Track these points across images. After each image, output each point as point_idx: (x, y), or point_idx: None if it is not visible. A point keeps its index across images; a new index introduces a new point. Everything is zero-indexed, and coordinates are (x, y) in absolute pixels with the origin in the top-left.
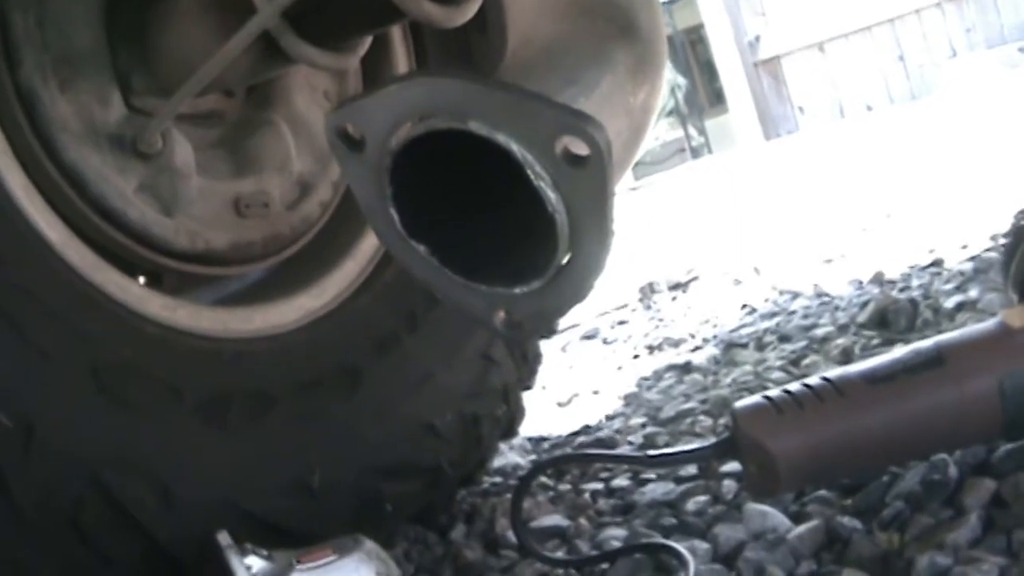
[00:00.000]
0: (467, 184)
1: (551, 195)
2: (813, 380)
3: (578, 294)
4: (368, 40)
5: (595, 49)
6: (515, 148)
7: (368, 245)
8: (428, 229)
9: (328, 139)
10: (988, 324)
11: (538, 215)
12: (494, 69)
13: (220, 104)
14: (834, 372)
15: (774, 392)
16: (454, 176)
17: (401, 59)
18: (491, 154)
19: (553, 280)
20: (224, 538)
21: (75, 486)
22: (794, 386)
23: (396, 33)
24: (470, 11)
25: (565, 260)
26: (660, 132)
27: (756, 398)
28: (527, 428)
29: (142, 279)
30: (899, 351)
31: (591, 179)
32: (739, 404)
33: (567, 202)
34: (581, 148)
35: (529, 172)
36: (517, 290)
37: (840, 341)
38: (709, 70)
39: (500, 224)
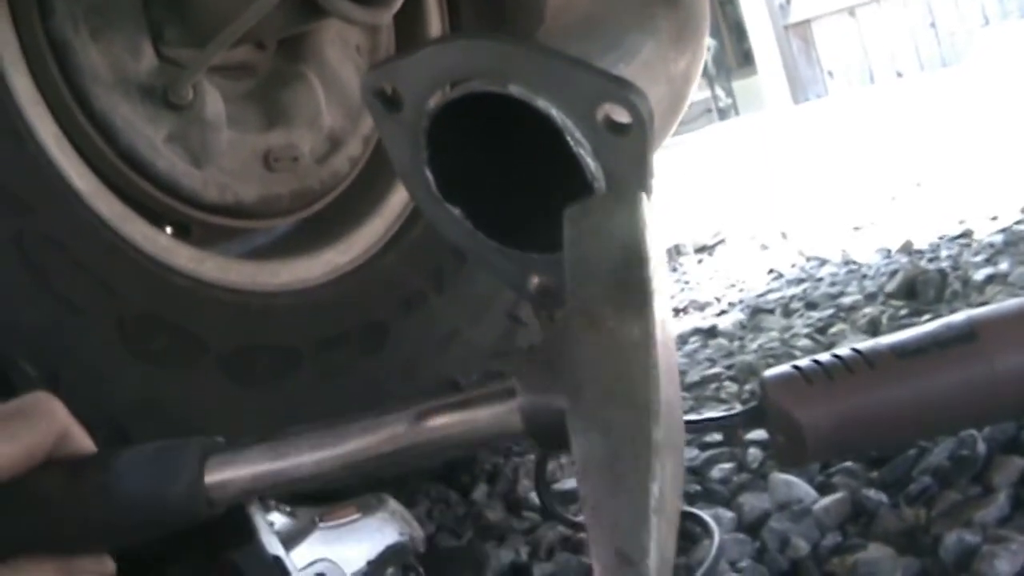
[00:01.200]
0: (504, 148)
1: (590, 162)
2: (843, 351)
3: None
4: None
5: (637, 15)
6: (555, 113)
7: (396, 202)
8: (463, 192)
9: (364, 98)
10: (1021, 300)
11: (576, 181)
12: (529, 28)
13: (251, 56)
14: (864, 344)
15: (803, 362)
16: (491, 140)
17: (434, 15)
18: (530, 118)
19: None
20: None
21: (99, 437)
22: (823, 356)
23: None
24: None
25: None
26: None
27: (785, 367)
28: None
29: (169, 230)
30: (930, 325)
31: (632, 147)
32: (768, 373)
33: (607, 170)
34: (622, 116)
35: (569, 138)
36: (553, 256)
37: (868, 310)
38: (738, 31)
39: (536, 189)
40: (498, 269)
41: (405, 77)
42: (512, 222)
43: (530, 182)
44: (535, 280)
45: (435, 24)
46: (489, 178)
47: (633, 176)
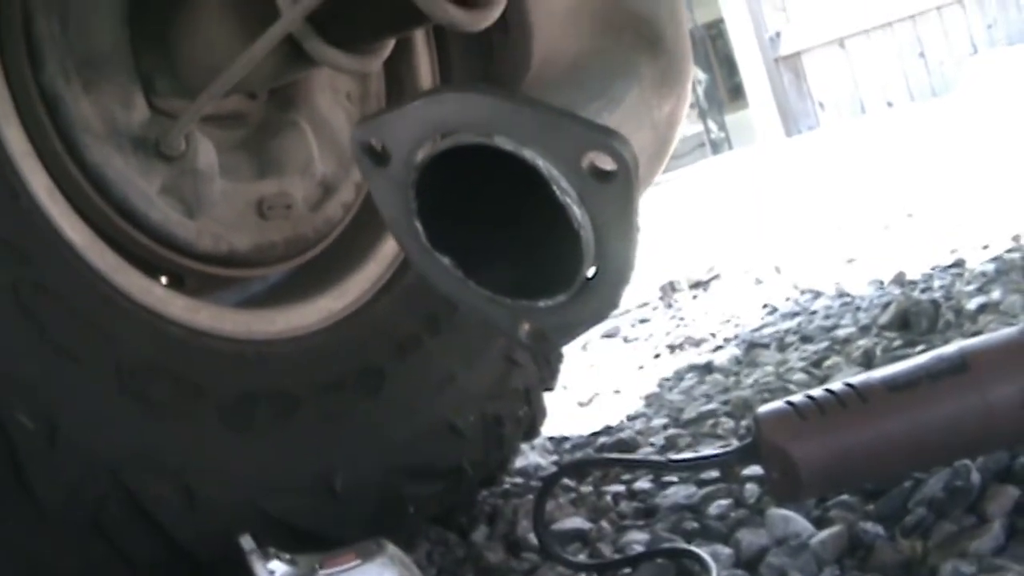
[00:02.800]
0: (492, 198)
1: (577, 211)
2: (836, 386)
3: (604, 308)
4: (391, 43)
5: (620, 63)
6: (541, 164)
7: (390, 247)
8: (453, 242)
9: (353, 153)
10: (1012, 330)
11: (563, 230)
12: (517, 74)
13: (243, 106)
14: (857, 378)
15: (797, 397)
16: (479, 190)
17: (424, 63)
18: (517, 168)
19: (578, 294)
20: (247, 542)
21: (98, 486)
22: (817, 392)
23: (419, 36)
24: (493, 15)
25: (590, 274)
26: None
27: (779, 403)
28: (548, 428)
29: (164, 280)
30: (922, 357)
31: (617, 194)
32: (762, 409)
33: (593, 217)
34: (607, 163)
35: (555, 188)
36: (542, 304)
37: (862, 342)
38: (729, 65)
39: (525, 238)
40: (490, 317)
41: (392, 131)
42: (502, 271)
43: (518, 230)
44: (526, 326)
45: (425, 71)
46: (478, 227)
47: (620, 221)
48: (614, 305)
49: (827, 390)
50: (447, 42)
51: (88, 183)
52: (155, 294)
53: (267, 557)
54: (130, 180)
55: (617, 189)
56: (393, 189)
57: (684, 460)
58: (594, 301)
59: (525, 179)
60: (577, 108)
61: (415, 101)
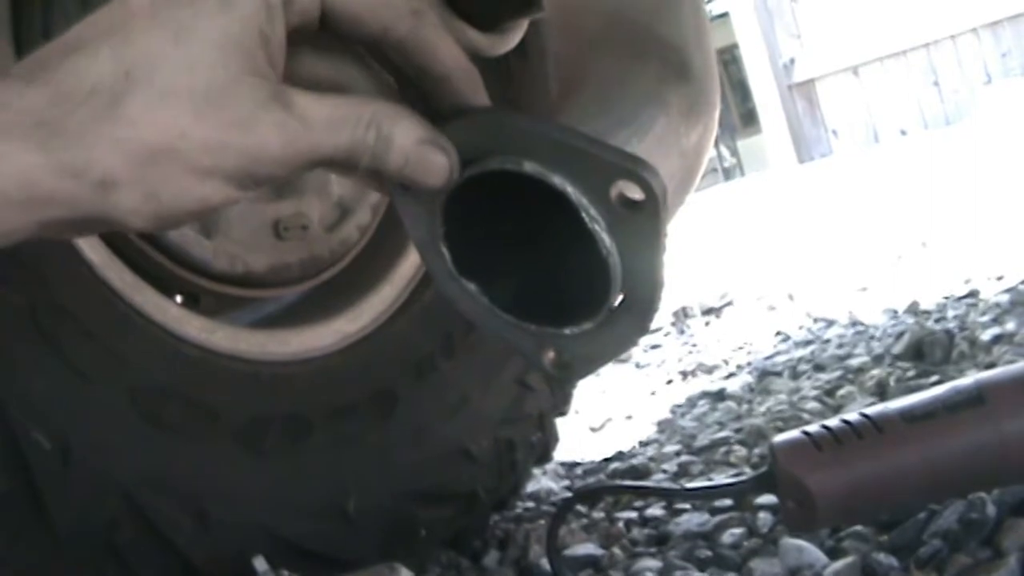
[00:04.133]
0: (520, 223)
1: (605, 238)
2: (852, 416)
3: (629, 338)
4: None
5: (648, 90)
6: (570, 191)
7: (406, 269)
8: (479, 268)
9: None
10: None
11: (591, 257)
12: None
13: None
14: (873, 409)
15: (813, 427)
16: (506, 215)
17: None
18: (545, 194)
19: (604, 323)
20: (260, 563)
21: (111, 507)
22: (832, 422)
23: None
24: (514, 40)
25: (616, 303)
26: None
27: (795, 433)
28: (560, 453)
29: (179, 299)
30: (939, 389)
31: (645, 224)
32: (778, 439)
33: (620, 246)
34: (636, 193)
35: (584, 215)
36: (568, 331)
37: (875, 372)
38: (742, 90)
39: (552, 264)
40: (514, 344)
41: None
42: (528, 297)
43: (545, 257)
44: (551, 355)
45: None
46: (505, 253)
47: (647, 251)
48: (641, 335)
49: (843, 420)
50: None
51: None
52: (171, 314)
53: None
54: None
55: (645, 219)
56: (421, 213)
57: (699, 488)
58: (620, 330)
59: (553, 205)
60: (606, 136)
61: (445, 125)
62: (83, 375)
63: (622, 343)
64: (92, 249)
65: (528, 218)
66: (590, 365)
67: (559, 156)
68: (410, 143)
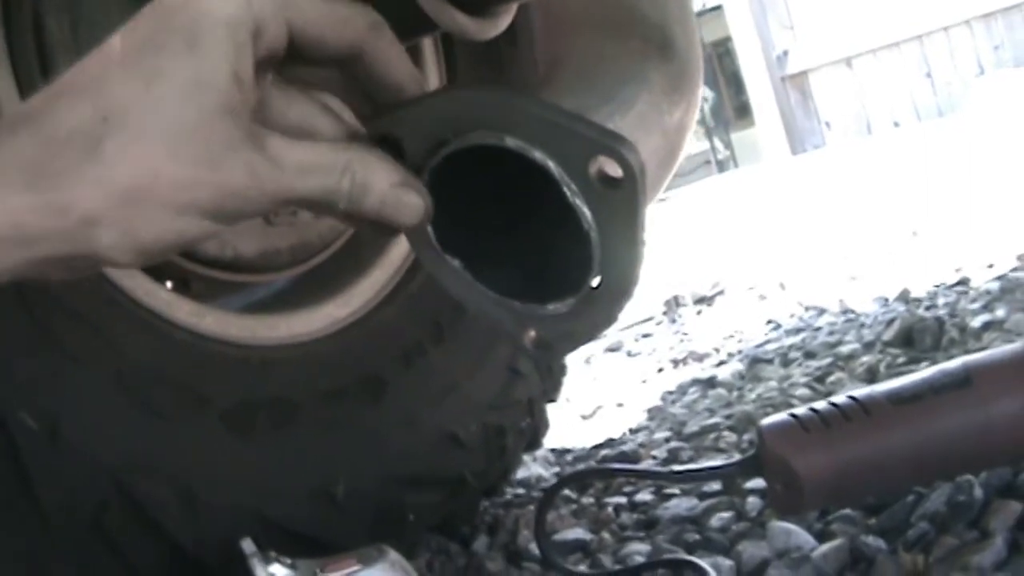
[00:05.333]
0: (502, 200)
1: (587, 213)
2: (839, 399)
3: (608, 316)
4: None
5: (631, 68)
6: (551, 166)
7: (395, 255)
8: (462, 244)
9: None
10: (1016, 345)
11: (573, 233)
12: (523, 80)
13: None
14: (860, 391)
15: (800, 410)
16: (489, 192)
17: (432, 74)
18: (527, 170)
19: (584, 300)
20: (248, 545)
21: (99, 490)
22: (820, 404)
23: (428, 47)
24: (502, 24)
25: (596, 281)
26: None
27: (782, 416)
28: (551, 440)
29: (169, 284)
30: (926, 371)
31: (624, 201)
32: (765, 421)
33: (599, 223)
34: (615, 169)
35: (566, 190)
36: (550, 307)
37: (865, 359)
38: (736, 83)
39: (534, 242)
40: (496, 321)
41: (405, 128)
42: (511, 274)
43: (527, 233)
44: (531, 333)
45: (432, 74)
46: (488, 230)
47: (626, 228)
48: (620, 311)
49: (831, 403)
50: (455, 53)
51: None
52: (160, 297)
53: (268, 561)
54: None
55: (624, 195)
56: None
57: (687, 471)
58: (600, 308)
59: (535, 182)
60: (587, 112)
61: (429, 99)
62: (72, 358)
63: (601, 322)
64: None
65: (511, 196)
66: (570, 344)
67: (540, 132)
68: (386, 187)
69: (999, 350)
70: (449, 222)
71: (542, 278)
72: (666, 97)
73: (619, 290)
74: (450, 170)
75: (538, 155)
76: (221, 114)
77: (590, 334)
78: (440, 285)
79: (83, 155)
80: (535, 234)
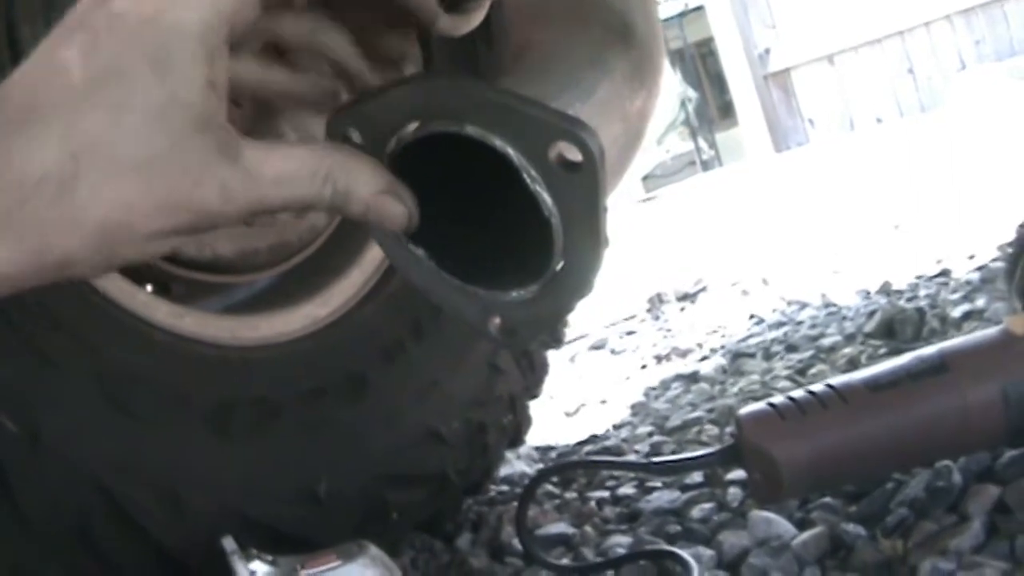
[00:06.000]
0: (464, 189)
1: (547, 199)
2: (817, 387)
3: (571, 301)
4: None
5: (591, 55)
6: (511, 152)
7: (374, 253)
8: (426, 233)
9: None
10: (992, 331)
11: (534, 219)
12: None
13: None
14: (838, 379)
15: (778, 399)
16: (452, 181)
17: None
18: (488, 158)
19: (548, 286)
20: (229, 543)
21: (81, 493)
22: (798, 393)
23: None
24: (475, 20)
25: (559, 267)
26: (671, 145)
27: (760, 405)
28: (534, 437)
29: (149, 287)
30: (903, 358)
31: (584, 185)
32: (743, 411)
33: (560, 207)
34: (575, 154)
35: (525, 176)
36: (514, 294)
37: (847, 350)
38: (719, 83)
39: (496, 230)
40: (460, 310)
41: (366, 120)
42: (474, 262)
43: (490, 221)
44: (496, 321)
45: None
46: (451, 218)
47: (587, 212)
48: (583, 296)
49: (808, 391)
50: (430, 45)
51: None
52: (139, 300)
53: (248, 558)
54: None
55: (584, 179)
56: None
57: (666, 462)
58: (563, 293)
59: (496, 169)
60: (547, 100)
61: (388, 90)
62: (51, 362)
63: (565, 306)
64: None
65: (473, 184)
66: (534, 330)
67: (499, 119)
68: (368, 194)
69: (974, 336)
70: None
71: (506, 265)
72: (627, 84)
73: (582, 275)
74: (411, 159)
75: (498, 142)
76: (193, 131)
77: (555, 319)
78: (403, 274)
79: (55, 199)
80: (498, 222)
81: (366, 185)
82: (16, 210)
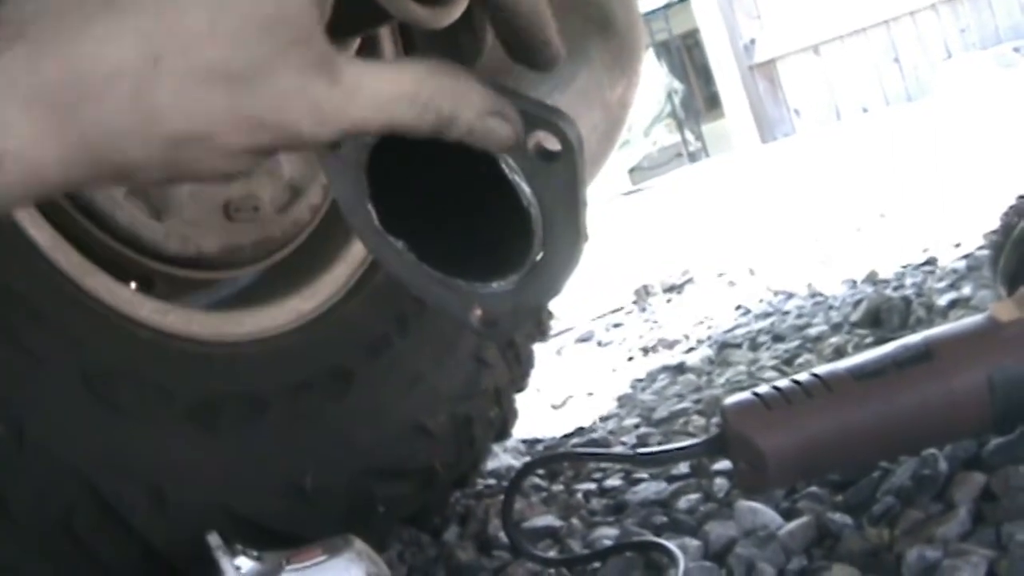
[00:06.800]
0: (443, 179)
1: (526, 188)
2: (802, 376)
3: (552, 290)
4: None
5: (571, 44)
6: None
7: (359, 248)
8: (406, 225)
9: None
10: (976, 318)
11: (513, 209)
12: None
13: None
14: (823, 368)
15: (763, 388)
16: (430, 172)
17: (388, 47)
18: (466, 148)
19: (528, 275)
20: (214, 539)
21: (67, 490)
22: (783, 382)
23: (386, 38)
24: (456, 12)
25: (539, 256)
26: (657, 137)
27: (745, 395)
28: (521, 430)
29: (134, 284)
30: (888, 346)
31: (563, 174)
32: (728, 401)
33: (539, 197)
34: (553, 143)
35: (504, 166)
36: (494, 285)
37: (833, 340)
38: (705, 75)
39: (476, 219)
40: (441, 302)
41: None
42: (454, 254)
43: (469, 212)
44: (477, 312)
45: (389, 55)
46: (430, 210)
47: (566, 201)
48: (562, 286)
49: (793, 380)
50: (413, 38)
51: None
52: (123, 296)
53: (234, 553)
54: None
55: (563, 168)
56: (346, 173)
57: (651, 453)
58: (544, 283)
59: (475, 160)
60: (526, 89)
61: None
62: (36, 358)
63: (545, 295)
64: (40, 232)
65: (452, 176)
66: (516, 320)
67: None
68: (474, 117)
69: (959, 324)
70: (392, 204)
71: (486, 257)
72: (607, 73)
73: (562, 265)
74: (391, 152)
75: None
76: (294, 45)
77: (535, 308)
78: (385, 268)
79: (127, 103)
80: (478, 214)
81: (471, 108)
82: (80, 106)
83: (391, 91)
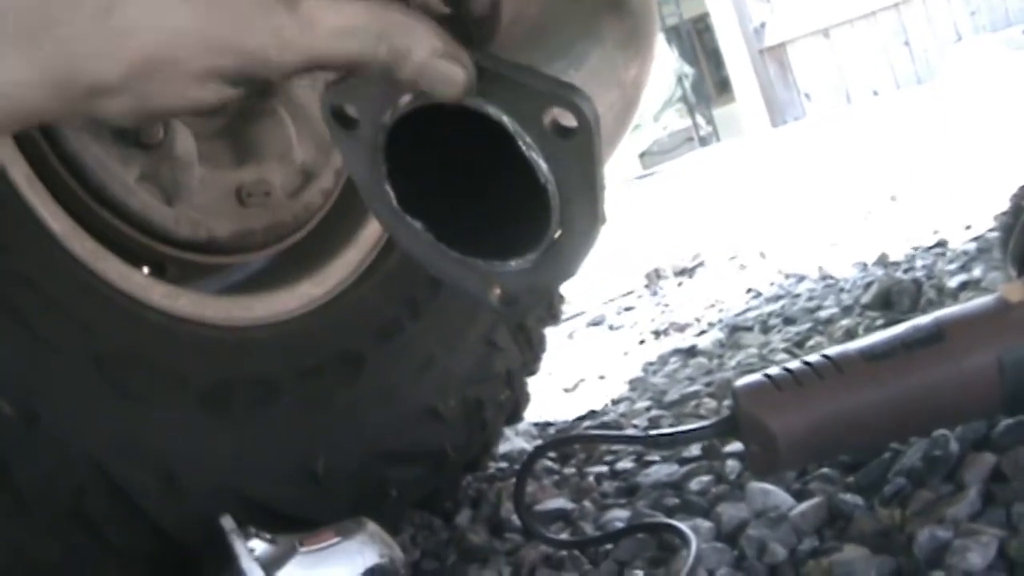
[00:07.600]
0: (461, 159)
1: (543, 166)
2: (813, 358)
3: (570, 267)
4: None
5: (584, 23)
6: (506, 120)
7: (370, 232)
8: (424, 205)
9: (323, 118)
10: (987, 299)
11: (531, 187)
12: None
13: None
14: (833, 349)
15: (774, 370)
16: (448, 152)
17: None
18: (484, 127)
19: (546, 253)
20: (228, 522)
21: (79, 474)
22: (794, 364)
23: None
24: None
25: (557, 234)
26: (668, 121)
27: (756, 376)
28: (533, 414)
29: (146, 269)
30: (898, 327)
31: (580, 150)
32: (739, 382)
33: (556, 174)
34: (569, 120)
35: (521, 143)
36: (513, 264)
37: (844, 322)
38: (716, 59)
39: (494, 198)
40: (460, 281)
41: (360, 94)
42: (472, 233)
43: (487, 191)
44: (497, 290)
45: None
46: (448, 189)
47: (583, 178)
48: (580, 264)
49: (804, 362)
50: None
51: (67, 171)
52: (135, 281)
53: (247, 536)
54: (109, 168)
55: (580, 145)
56: (363, 153)
57: (663, 434)
58: (562, 260)
59: (492, 139)
60: (541, 66)
61: None
62: (47, 343)
63: (564, 273)
64: (54, 218)
65: (470, 154)
66: (535, 298)
67: (493, 87)
68: (425, 55)
69: (970, 304)
70: (409, 184)
71: (504, 235)
72: (621, 52)
73: (580, 242)
74: (408, 131)
75: (492, 110)
76: None
77: (553, 286)
78: (402, 248)
79: (96, 19)
80: (495, 192)
81: (423, 45)
82: (51, 27)
83: (346, 22)
